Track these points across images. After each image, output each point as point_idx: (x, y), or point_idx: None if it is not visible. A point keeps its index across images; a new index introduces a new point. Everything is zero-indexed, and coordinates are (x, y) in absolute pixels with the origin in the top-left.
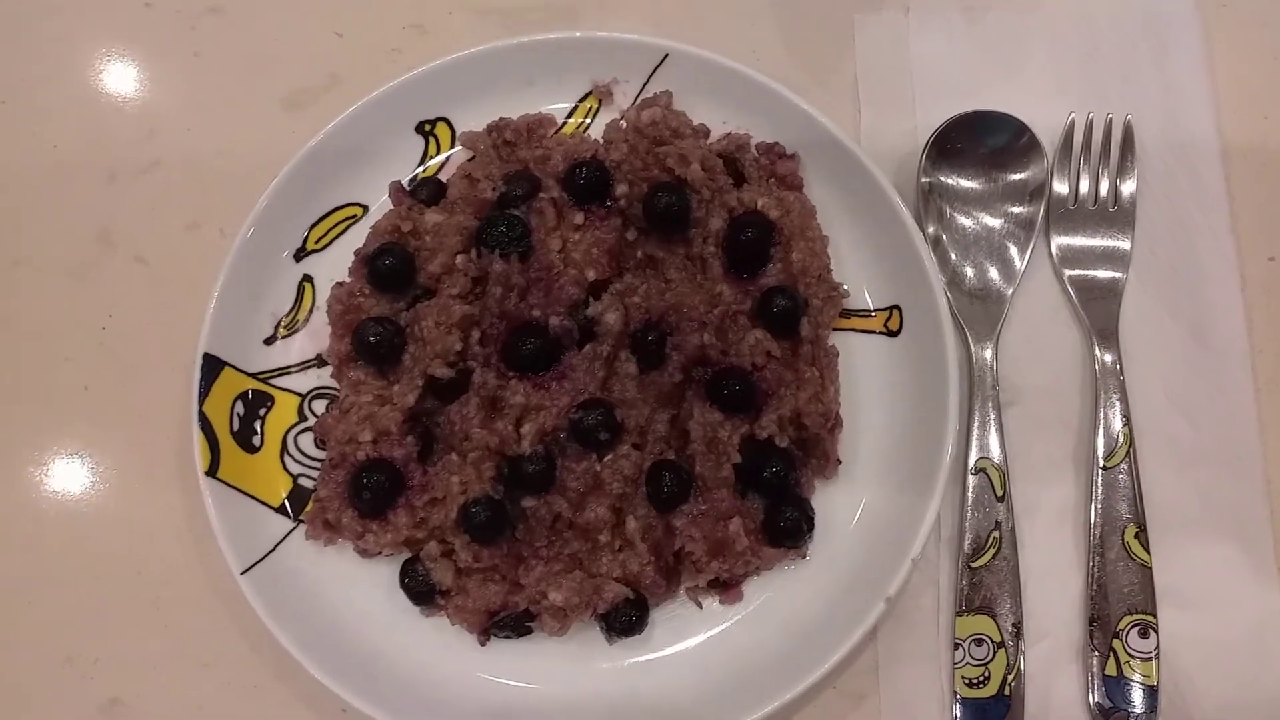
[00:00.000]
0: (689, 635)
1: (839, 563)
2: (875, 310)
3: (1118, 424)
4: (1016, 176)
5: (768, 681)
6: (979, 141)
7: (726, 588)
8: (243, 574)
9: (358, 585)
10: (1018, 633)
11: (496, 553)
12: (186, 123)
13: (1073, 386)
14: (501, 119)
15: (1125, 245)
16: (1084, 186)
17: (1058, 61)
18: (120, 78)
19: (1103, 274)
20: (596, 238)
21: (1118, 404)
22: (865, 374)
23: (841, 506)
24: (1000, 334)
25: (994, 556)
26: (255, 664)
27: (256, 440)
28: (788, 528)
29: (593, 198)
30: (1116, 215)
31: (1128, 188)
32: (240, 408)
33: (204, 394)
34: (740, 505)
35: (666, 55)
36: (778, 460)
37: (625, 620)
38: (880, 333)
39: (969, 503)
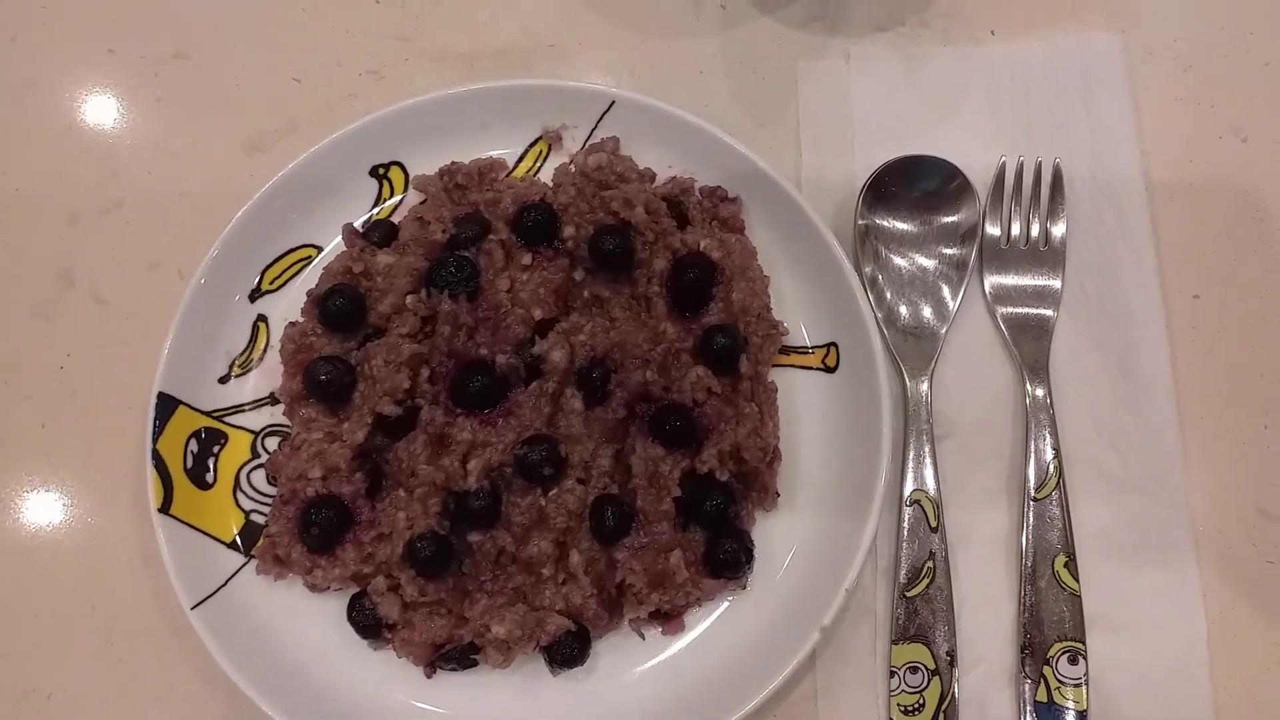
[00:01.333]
0: (632, 666)
1: (777, 593)
2: (813, 347)
3: (1048, 456)
4: (949, 219)
5: (709, 710)
6: (913, 185)
7: (668, 619)
8: (193, 609)
9: (307, 619)
10: (952, 660)
11: (442, 587)
12: (148, 165)
13: (1005, 420)
14: (453, 163)
15: (1056, 284)
16: (1015, 227)
17: (992, 107)
18: (84, 121)
19: (1034, 311)
20: (544, 278)
21: (1048, 437)
22: (804, 409)
23: (781, 538)
24: (935, 370)
25: (928, 586)
26: (207, 698)
27: (210, 477)
28: (727, 560)
29: (540, 239)
30: (1047, 255)
31: (1058, 229)
32: (194, 445)
33: (158, 432)
34: (681, 538)
35: (613, 102)
36: (718, 493)
37: (567, 652)
38: (818, 369)
39: (904, 533)
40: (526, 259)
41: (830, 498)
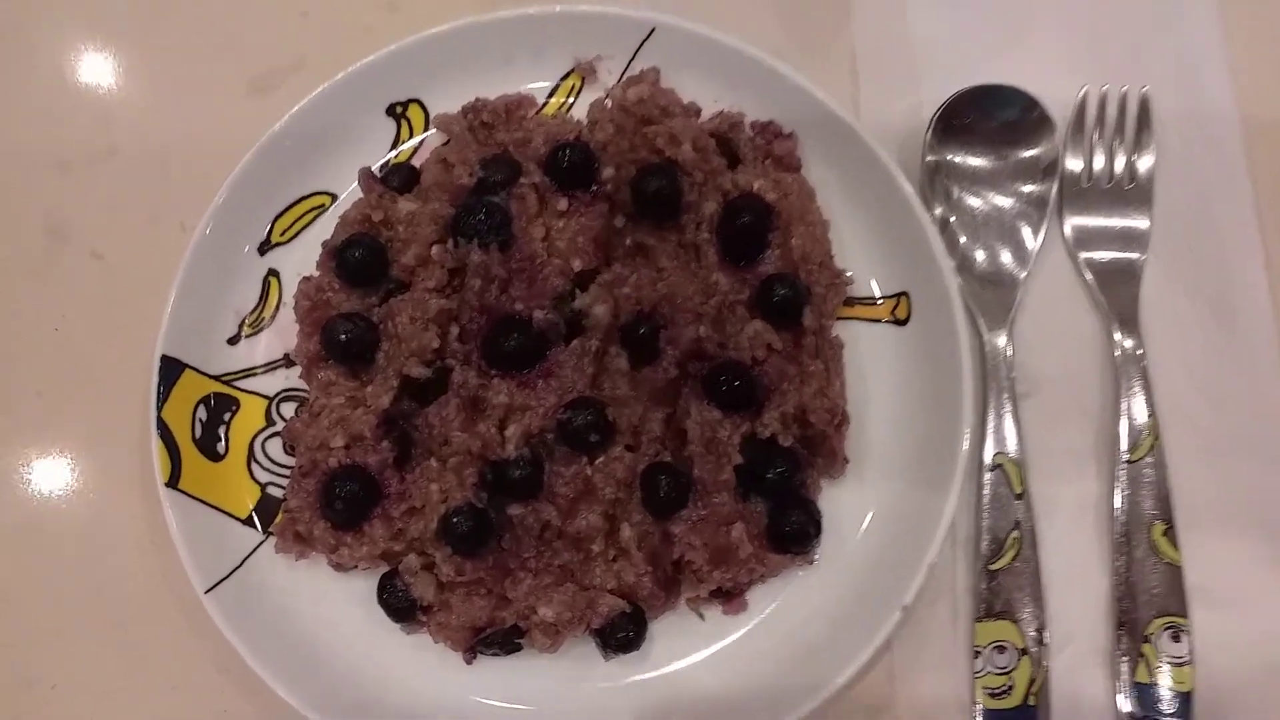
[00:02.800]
0: (691, 649)
1: (849, 569)
2: (881, 298)
3: (1141, 414)
4: (1028, 153)
5: (776, 697)
6: (988, 117)
7: (730, 598)
8: (207, 592)
9: (332, 601)
10: (1041, 639)
11: (481, 565)
12: (145, 108)
13: (1092, 375)
14: (478, 100)
15: (1143, 224)
16: (1098, 163)
17: (1066, 33)
18: (73, 61)
19: (1120, 255)
20: (582, 225)
21: (1140, 392)
22: (872, 366)
23: (850, 508)
24: (1014, 320)
25: (1014, 558)
26: (223, 686)
27: (221, 447)
28: (794, 532)
29: (577, 182)
30: (1133, 193)
31: (1144, 163)
32: (202, 413)
33: (163, 399)
34: (743, 509)
35: (653, 29)
36: (781, 460)
37: (622, 635)
38: (887, 321)
39: (985, 501)
40: (562, 204)
41: (904, 464)
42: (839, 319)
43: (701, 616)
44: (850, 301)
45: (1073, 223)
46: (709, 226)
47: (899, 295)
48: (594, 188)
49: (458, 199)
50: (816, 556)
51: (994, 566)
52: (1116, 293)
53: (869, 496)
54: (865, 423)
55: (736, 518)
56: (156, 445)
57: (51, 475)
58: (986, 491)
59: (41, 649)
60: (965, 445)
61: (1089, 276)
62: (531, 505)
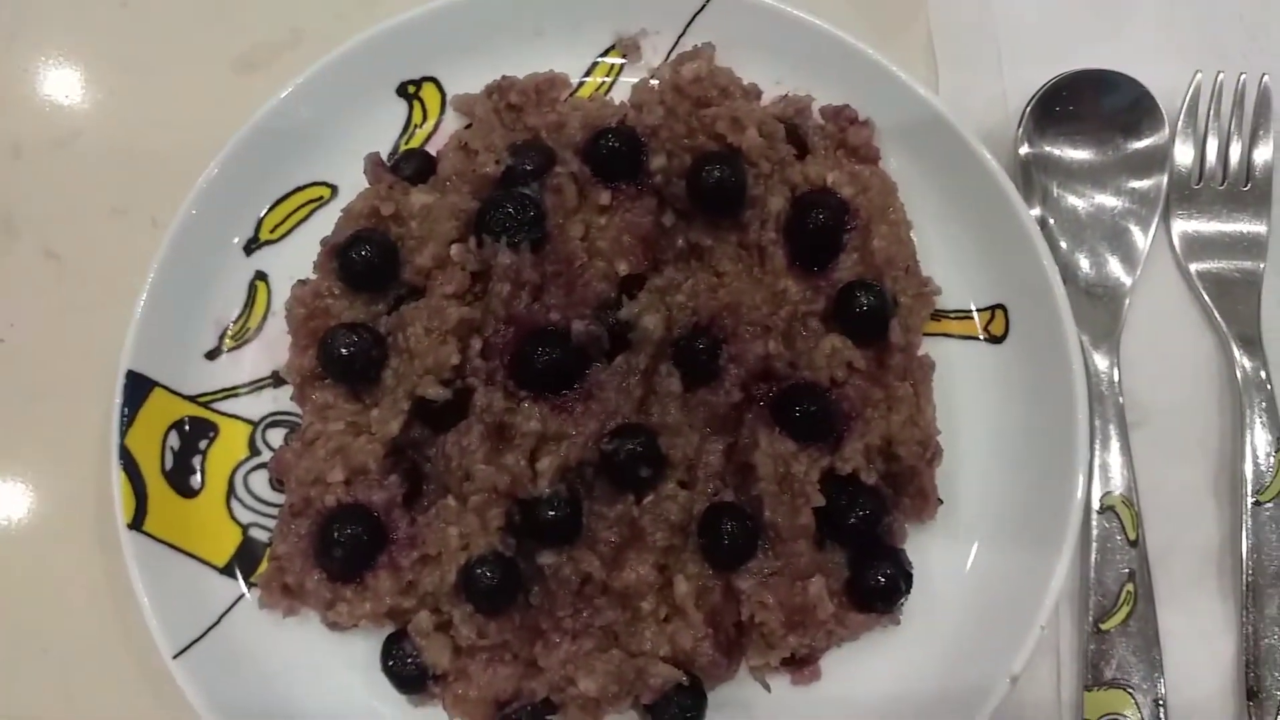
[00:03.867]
0: None
1: (941, 631)
2: (974, 311)
3: (1266, 447)
4: (1135, 146)
5: None
6: (1091, 106)
7: (801, 665)
8: (176, 656)
9: (327, 668)
10: (1159, 711)
11: (507, 625)
12: (111, 86)
13: (1210, 402)
14: (504, 78)
15: (1261, 229)
16: (1211, 160)
17: (1169, 14)
18: (29, 31)
19: (1237, 265)
20: (627, 222)
21: (1265, 422)
22: (962, 390)
23: (941, 559)
24: (1119, 338)
25: (1128, 615)
26: None
27: (195, 481)
28: (881, 587)
29: (622, 173)
30: (1249, 194)
31: (1263, 159)
32: (174, 440)
33: (127, 423)
34: (820, 560)
35: (707, 1)
36: (865, 501)
37: (678, 712)
38: (980, 339)
39: (1094, 549)
40: (604, 197)
41: (1004, 507)
42: (924, 335)
43: (767, 688)
44: (936, 315)
45: (1182, 228)
46: (775, 225)
47: (993, 308)
48: (641, 179)
49: (482, 191)
50: (902, 616)
51: (1105, 625)
52: (1234, 308)
53: (962, 545)
54: (955, 456)
55: (814, 570)
56: (119, 478)
57: None
58: (1096, 538)
59: None
60: (1080, 489)
61: (1201, 289)
62: (568, 553)
